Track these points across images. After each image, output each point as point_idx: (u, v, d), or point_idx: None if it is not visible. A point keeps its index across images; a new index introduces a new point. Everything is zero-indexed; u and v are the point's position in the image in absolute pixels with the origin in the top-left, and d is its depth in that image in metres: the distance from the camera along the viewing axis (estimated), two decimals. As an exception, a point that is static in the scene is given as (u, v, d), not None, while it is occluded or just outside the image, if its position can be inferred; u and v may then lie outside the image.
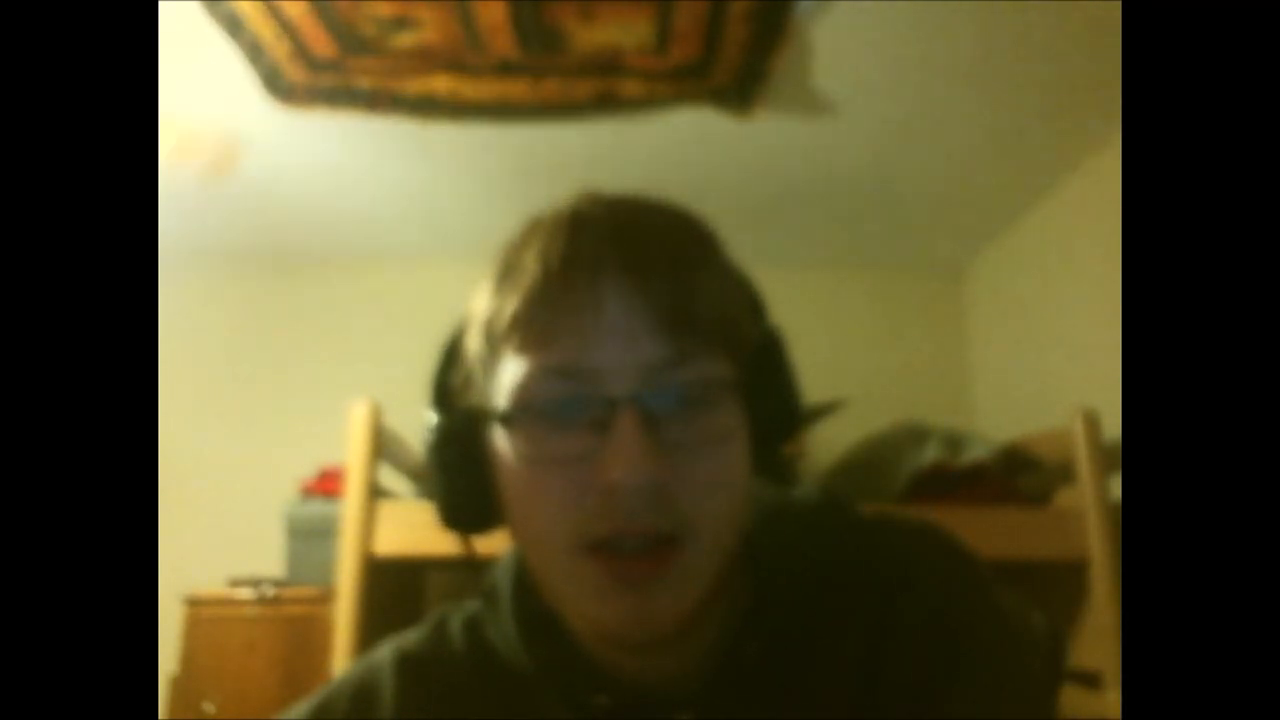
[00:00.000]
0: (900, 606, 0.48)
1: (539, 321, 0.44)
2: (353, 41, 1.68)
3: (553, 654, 0.49)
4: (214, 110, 1.90)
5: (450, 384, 0.51)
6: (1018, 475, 1.59)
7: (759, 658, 0.48)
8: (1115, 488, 1.48)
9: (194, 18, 1.60)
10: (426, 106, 1.88)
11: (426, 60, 1.74)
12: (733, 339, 0.46)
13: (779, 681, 0.48)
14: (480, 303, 0.48)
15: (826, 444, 1.84)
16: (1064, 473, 1.52)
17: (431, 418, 0.50)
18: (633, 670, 0.48)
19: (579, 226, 0.45)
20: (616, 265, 0.44)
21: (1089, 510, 1.44)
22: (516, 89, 1.82)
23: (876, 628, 0.48)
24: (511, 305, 0.44)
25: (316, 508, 2.01)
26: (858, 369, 2.44)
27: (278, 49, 1.70)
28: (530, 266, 0.44)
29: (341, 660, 1.36)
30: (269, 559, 2.04)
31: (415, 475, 1.67)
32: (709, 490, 0.43)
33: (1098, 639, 1.41)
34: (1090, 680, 1.41)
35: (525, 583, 0.51)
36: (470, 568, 0.53)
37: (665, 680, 0.48)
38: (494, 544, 0.52)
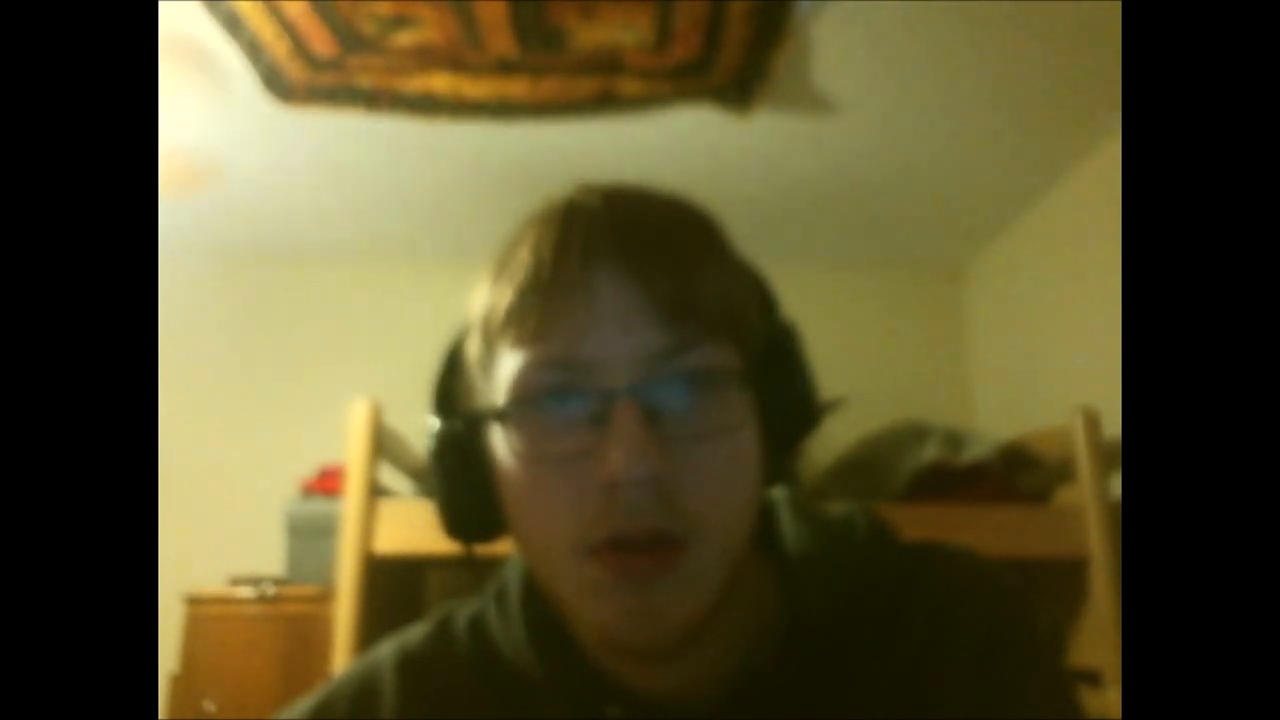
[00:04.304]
0: (946, 641, 0.47)
1: (532, 313, 0.42)
2: (352, 40, 1.68)
3: (564, 662, 0.48)
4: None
5: (453, 390, 0.50)
6: (1018, 473, 1.59)
7: (789, 680, 0.46)
8: (1115, 486, 1.48)
9: (193, 17, 1.60)
10: (426, 105, 1.88)
11: (426, 58, 1.74)
12: (738, 328, 0.44)
13: (809, 706, 0.46)
14: (477, 302, 0.46)
15: (826, 443, 1.84)
16: (1064, 471, 1.52)
17: (433, 423, 0.48)
18: (646, 682, 0.46)
19: (572, 216, 0.44)
20: (611, 252, 0.42)
21: (1089, 508, 1.45)
22: (516, 87, 1.82)
23: (920, 661, 0.47)
24: (505, 299, 0.43)
25: (317, 506, 2.01)
26: (858, 368, 2.44)
27: (277, 47, 1.70)
28: (523, 259, 0.43)
29: (342, 659, 1.36)
30: (269, 557, 2.05)
31: (416, 474, 1.67)
32: (715, 486, 0.41)
33: (1098, 637, 1.42)
34: (1090, 678, 1.41)
35: (534, 586, 0.50)
36: (471, 568, 0.52)
37: (682, 695, 0.46)
38: (495, 544, 0.51)
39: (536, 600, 0.50)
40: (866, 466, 1.65)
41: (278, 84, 1.80)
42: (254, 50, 1.70)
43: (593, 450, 0.40)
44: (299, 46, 1.70)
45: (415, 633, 0.54)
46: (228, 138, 2.01)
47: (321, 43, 1.69)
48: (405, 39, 1.68)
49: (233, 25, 1.63)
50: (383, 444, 1.50)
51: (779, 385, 0.46)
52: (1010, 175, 2.20)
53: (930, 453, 1.59)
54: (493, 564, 0.54)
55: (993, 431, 1.82)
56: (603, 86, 1.81)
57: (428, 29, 1.65)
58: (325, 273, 2.68)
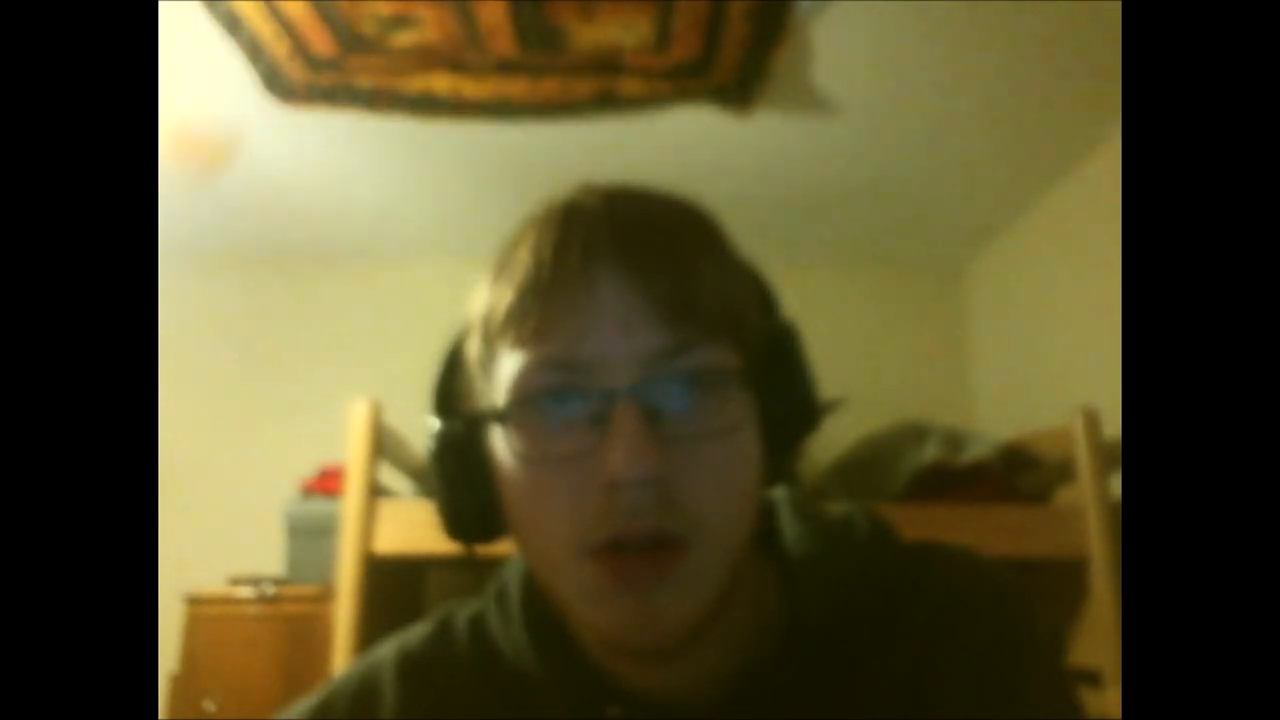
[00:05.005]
0: (947, 642, 0.47)
1: (533, 313, 0.42)
2: (352, 40, 1.68)
3: (564, 662, 0.48)
4: (211, 107, 1.90)
5: (453, 391, 0.50)
6: (1018, 474, 1.59)
7: (790, 680, 0.46)
8: (1115, 486, 1.48)
9: (194, 16, 1.60)
10: (426, 105, 1.88)
11: (426, 59, 1.74)
12: (738, 329, 0.44)
13: (809, 706, 0.46)
14: (477, 302, 0.46)
15: (826, 443, 1.84)
16: (1064, 471, 1.52)
17: (434, 424, 0.48)
18: (646, 682, 0.46)
19: (572, 216, 0.44)
20: (611, 252, 0.42)
21: (1089, 508, 1.45)
22: (516, 88, 1.82)
23: (921, 661, 0.47)
24: (505, 300, 0.43)
25: (317, 506, 2.01)
26: (858, 368, 2.44)
27: (277, 48, 1.70)
28: (524, 259, 0.43)
29: (342, 659, 1.36)
30: (269, 557, 2.04)
31: (416, 474, 1.67)
32: (715, 487, 0.41)
33: (1098, 637, 1.42)
34: (1090, 678, 1.41)
35: (534, 587, 0.50)
36: (471, 568, 0.52)
37: (682, 695, 0.46)
38: (495, 544, 0.51)
39: (537, 600, 0.50)
40: (867, 466, 1.65)
41: (278, 84, 1.80)
42: (254, 50, 1.70)
43: (593, 451, 0.40)
44: (299, 46, 1.70)
45: (415, 633, 0.54)
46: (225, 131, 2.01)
47: (321, 43, 1.69)
48: (405, 39, 1.68)
49: (233, 25, 1.63)
50: (383, 444, 1.50)
51: (779, 385, 0.46)
52: (1010, 175, 2.20)
53: (930, 453, 1.59)
54: (493, 564, 0.54)
55: (993, 431, 1.81)
56: (603, 86, 1.81)
57: (428, 29, 1.65)
58: (325, 273, 2.68)
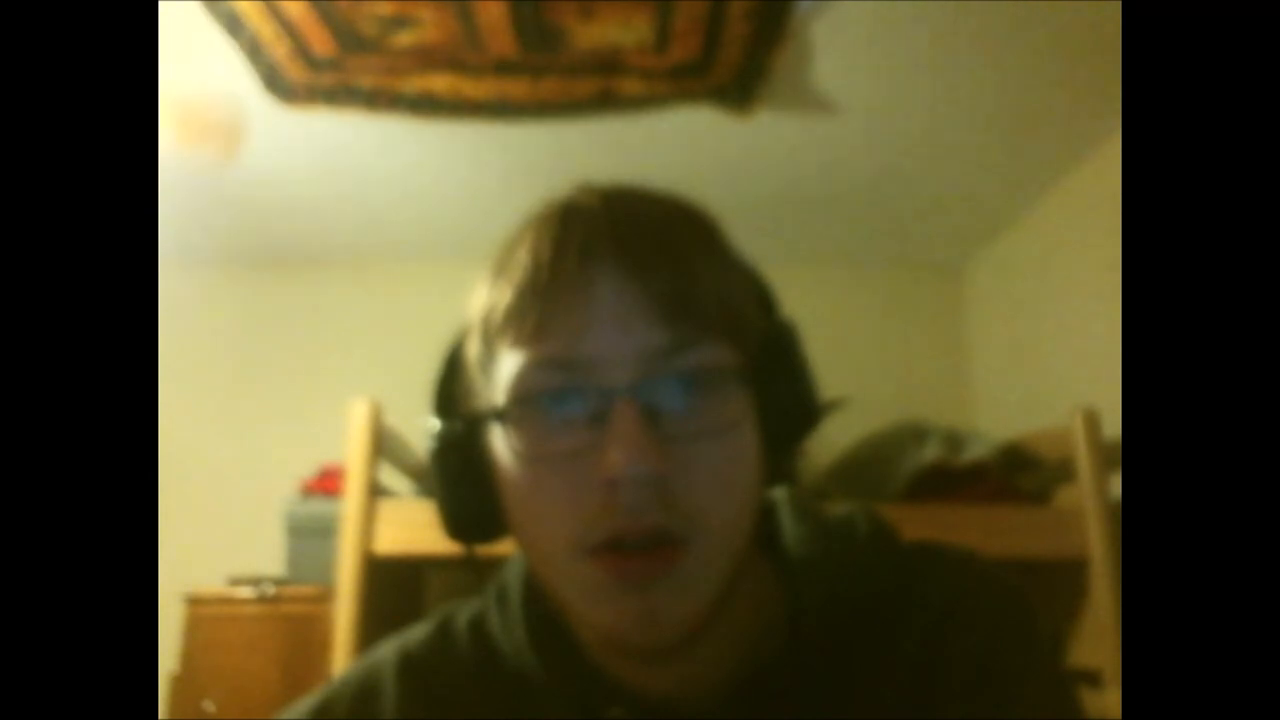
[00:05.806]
0: (947, 643, 0.47)
1: (532, 313, 0.42)
2: (352, 40, 1.68)
3: (565, 663, 0.48)
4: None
5: (453, 392, 0.50)
6: (1018, 474, 1.59)
7: (791, 680, 0.46)
8: (1115, 486, 1.48)
9: (193, 16, 1.60)
10: (426, 105, 1.88)
11: (426, 59, 1.74)
12: (736, 327, 0.44)
13: (810, 706, 0.46)
14: (476, 302, 0.47)
15: (826, 443, 1.84)
16: (1064, 471, 1.52)
17: (433, 424, 0.48)
18: (647, 682, 0.46)
19: (571, 216, 0.44)
20: (609, 252, 0.42)
21: (1089, 509, 1.45)
22: (516, 87, 1.82)
23: (921, 662, 0.47)
24: (504, 299, 0.43)
25: (317, 506, 2.01)
26: (858, 368, 2.44)
27: (277, 48, 1.70)
28: (522, 259, 0.43)
29: (342, 659, 1.36)
30: (269, 557, 2.04)
31: (416, 474, 1.67)
32: (715, 485, 0.42)
33: (1097, 638, 1.41)
34: (1090, 679, 1.41)
35: (534, 587, 0.50)
36: (471, 568, 0.52)
37: (683, 695, 0.46)
38: (496, 544, 0.51)
39: (537, 601, 0.50)
40: (867, 466, 1.65)
41: (278, 84, 1.80)
42: (254, 50, 1.70)
43: (592, 449, 0.41)
44: (299, 47, 1.70)
45: (416, 633, 0.54)
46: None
47: (321, 43, 1.69)
48: (405, 39, 1.68)
49: (233, 25, 1.63)
50: (383, 444, 1.49)
51: (778, 384, 0.46)
52: (1010, 175, 2.20)
53: (930, 453, 1.59)
54: (493, 564, 0.54)
55: (993, 431, 1.81)
56: (603, 86, 1.81)
57: (428, 29, 1.65)
58: (325, 273, 2.68)
